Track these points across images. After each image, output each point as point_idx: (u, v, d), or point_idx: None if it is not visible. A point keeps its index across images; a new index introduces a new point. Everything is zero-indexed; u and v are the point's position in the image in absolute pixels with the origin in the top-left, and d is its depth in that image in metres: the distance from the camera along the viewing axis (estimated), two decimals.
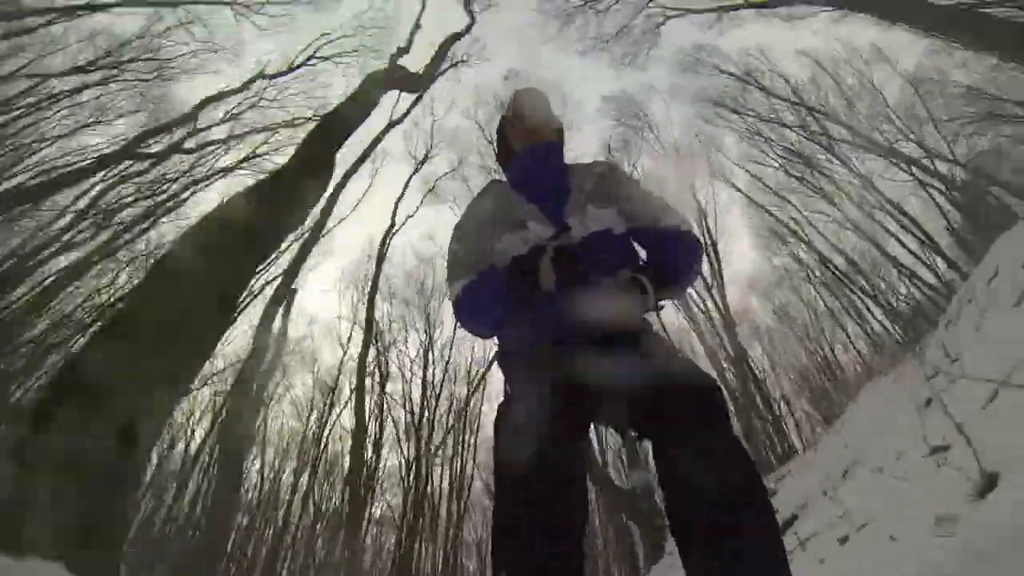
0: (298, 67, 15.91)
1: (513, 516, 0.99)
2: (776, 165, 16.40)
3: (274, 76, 15.90)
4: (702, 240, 1.46)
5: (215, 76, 16.46)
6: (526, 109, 1.54)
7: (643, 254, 1.40)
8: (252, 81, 15.60)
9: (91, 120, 13.90)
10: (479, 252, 1.37)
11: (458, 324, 1.44)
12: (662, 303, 1.29)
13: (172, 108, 14.86)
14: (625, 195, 1.41)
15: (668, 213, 1.38)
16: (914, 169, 12.03)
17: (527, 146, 1.48)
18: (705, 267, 15.85)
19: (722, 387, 1.09)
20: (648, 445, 1.11)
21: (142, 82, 14.26)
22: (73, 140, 13.72)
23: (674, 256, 1.32)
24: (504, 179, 1.57)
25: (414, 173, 18.11)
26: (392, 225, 17.45)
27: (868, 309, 15.72)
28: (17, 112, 12.46)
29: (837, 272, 15.67)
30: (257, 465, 18.03)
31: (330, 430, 18.13)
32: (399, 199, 17.82)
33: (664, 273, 1.27)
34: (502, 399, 1.20)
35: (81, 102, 13.66)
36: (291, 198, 5.60)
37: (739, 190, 16.98)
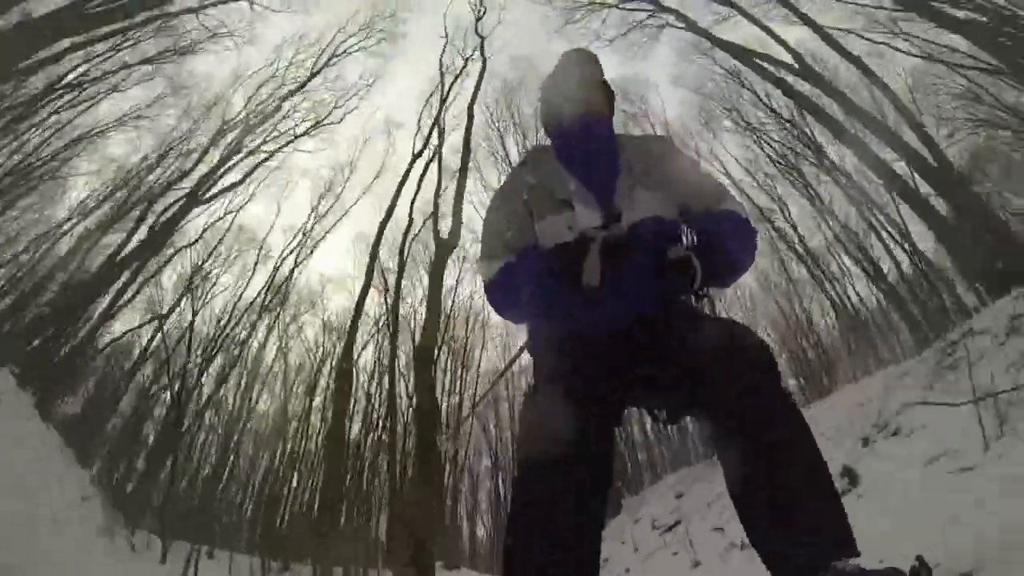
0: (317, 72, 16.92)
1: (532, 508, 0.98)
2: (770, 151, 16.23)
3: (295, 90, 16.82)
4: (754, 226, 1.34)
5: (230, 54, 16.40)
6: (575, 73, 1.42)
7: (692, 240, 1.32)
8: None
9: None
10: (520, 230, 1.29)
11: (488, 305, 1.36)
12: (705, 291, 1.24)
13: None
14: (678, 177, 1.33)
15: (724, 198, 1.32)
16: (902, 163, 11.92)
17: (575, 117, 1.37)
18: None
19: (771, 351, 1.06)
20: (698, 425, 1.13)
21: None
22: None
23: (728, 242, 1.22)
24: (547, 148, 1.45)
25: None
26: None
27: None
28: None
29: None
30: None
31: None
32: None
33: (715, 259, 1.18)
34: (530, 388, 1.17)
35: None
36: None
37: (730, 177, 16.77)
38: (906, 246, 13.86)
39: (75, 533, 6.88)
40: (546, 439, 0.99)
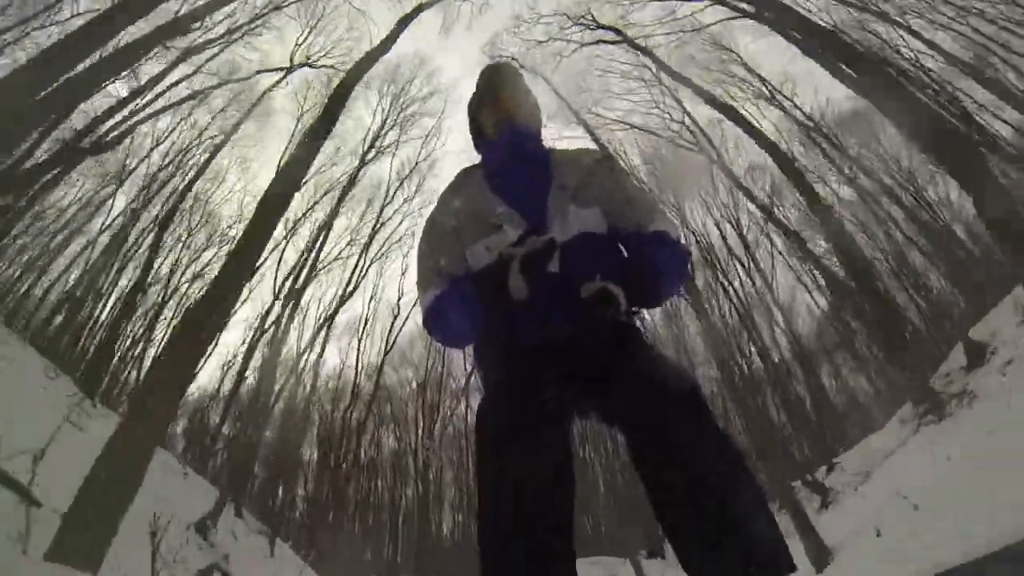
0: None
1: (498, 517, 0.97)
2: None
3: None
4: (688, 248, 1.33)
5: None
6: (497, 87, 1.41)
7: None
8: None
9: None
10: (450, 258, 1.30)
11: (431, 336, 1.35)
12: (636, 310, 1.23)
13: None
14: (612, 193, 1.31)
15: (655, 216, 1.29)
16: None
17: (500, 131, 1.36)
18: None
19: (700, 387, 1.06)
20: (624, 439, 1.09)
21: None
22: None
23: (658, 264, 1.20)
24: (476, 168, 1.44)
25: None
26: None
27: None
28: None
29: None
30: None
31: None
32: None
33: (644, 282, 1.17)
34: (483, 399, 1.17)
35: None
36: None
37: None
38: None
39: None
40: (498, 452, 1.00)
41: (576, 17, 14.39)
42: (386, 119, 18.41)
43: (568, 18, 14.44)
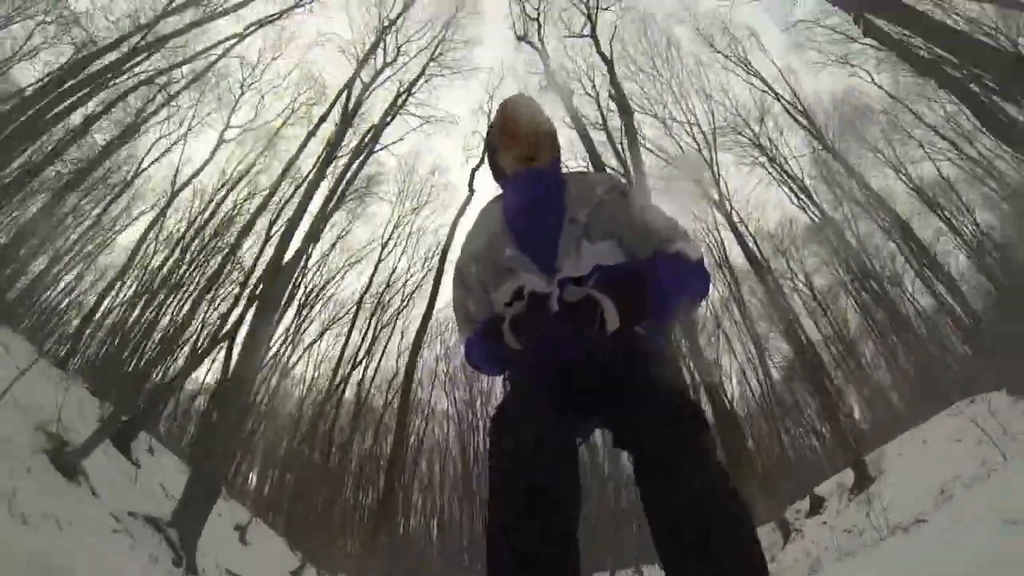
0: None
1: (506, 521, 0.97)
2: None
3: None
4: (707, 268, 1.29)
5: None
6: (514, 124, 1.38)
7: None
8: None
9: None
10: (478, 303, 1.38)
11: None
12: (641, 327, 1.20)
13: None
14: (627, 223, 1.29)
15: (674, 239, 1.25)
16: None
17: (516, 171, 1.36)
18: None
19: (705, 416, 1.06)
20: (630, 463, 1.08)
21: None
22: None
23: (661, 282, 1.15)
24: (496, 202, 1.45)
25: None
26: None
27: None
28: None
29: None
30: None
31: None
32: None
33: (637, 294, 1.13)
34: (499, 405, 1.17)
35: None
36: None
37: None
38: None
39: None
40: (511, 456, 1.01)
41: None
42: None
43: None
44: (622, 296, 1.10)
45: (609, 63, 15.40)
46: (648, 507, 0.97)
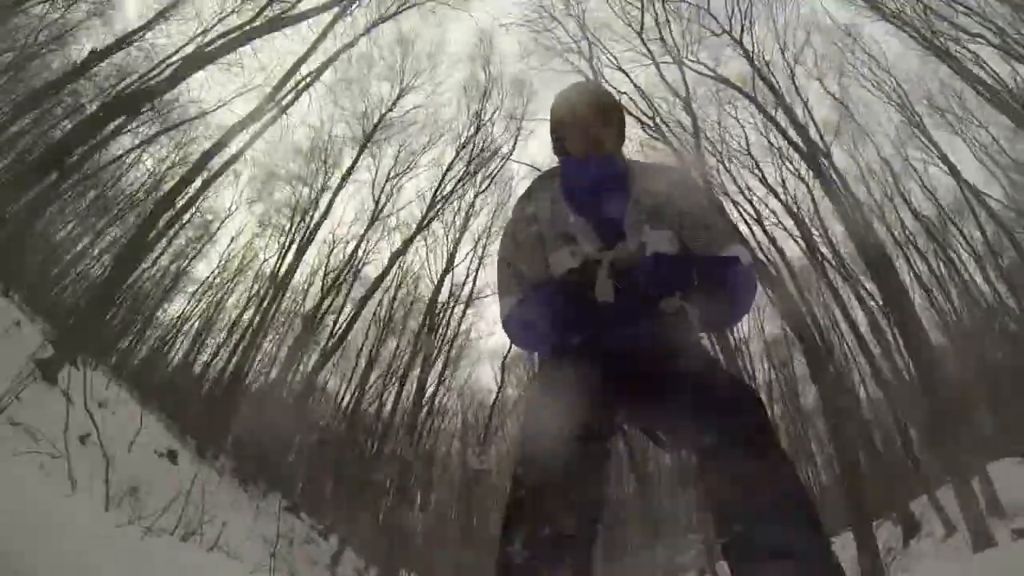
0: None
1: (525, 507, 0.98)
2: None
3: None
4: (755, 275, 1.33)
5: None
6: (589, 113, 1.38)
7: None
8: None
9: None
10: (532, 264, 1.33)
11: (510, 339, 1.40)
12: (702, 334, 1.25)
13: None
14: (687, 215, 1.31)
15: (731, 242, 1.29)
16: None
17: (583, 157, 1.36)
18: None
19: (763, 400, 1.06)
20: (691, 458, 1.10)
21: None
22: None
23: (728, 291, 1.22)
24: (553, 174, 1.45)
25: None
26: None
27: None
28: None
29: None
30: None
31: None
32: None
33: (713, 308, 1.20)
34: (531, 396, 1.18)
35: None
36: None
37: None
38: None
39: None
40: (542, 445, 1.01)
41: None
42: None
43: None
44: (707, 311, 1.20)
45: None
46: (711, 503, 0.99)
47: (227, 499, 9.25)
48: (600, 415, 1.08)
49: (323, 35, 12.75)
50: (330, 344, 16.83)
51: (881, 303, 12.19)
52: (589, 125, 1.37)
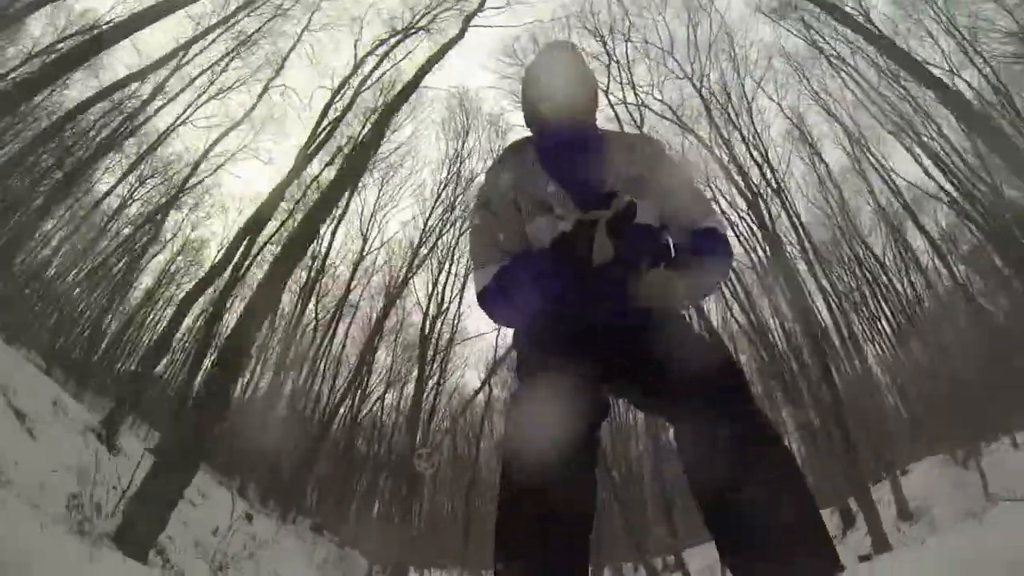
0: None
1: (519, 504, 0.98)
2: None
3: None
4: (731, 246, 1.36)
5: None
6: (560, 72, 1.35)
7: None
8: None
9: None
10: (509, 232, 1.29)
11: (486, 313, 1.33)
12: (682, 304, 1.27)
13: None
14: (665, 186, 1.30)
15: (707, 214, 1.31)
16: None
17: (560, 122, 1.33)
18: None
19: (739, 364, 1.07)
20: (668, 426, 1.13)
21: None
22: None
23: (706, 262, 1.24)
24: (526, 142, 1.41)
25: None
26: None
27: None
28: None
29: None
30: None
31: None
32: None
33: (692, 278, 1.19)
34: (516, 386, 1.16)
35: None
36: None
37: None
38: None
39: None
40: (531, 439, 0.99)
41: None
42: None
43: None
44: (685, 281, 1.16)
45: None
46: (690, 461, 1.01)
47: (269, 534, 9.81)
48: (589, 398, 1.07)
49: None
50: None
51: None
52: (558, 84, 1.34)
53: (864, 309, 17.35)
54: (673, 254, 1.30)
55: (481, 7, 13.76)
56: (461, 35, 12.80)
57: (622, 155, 1.32)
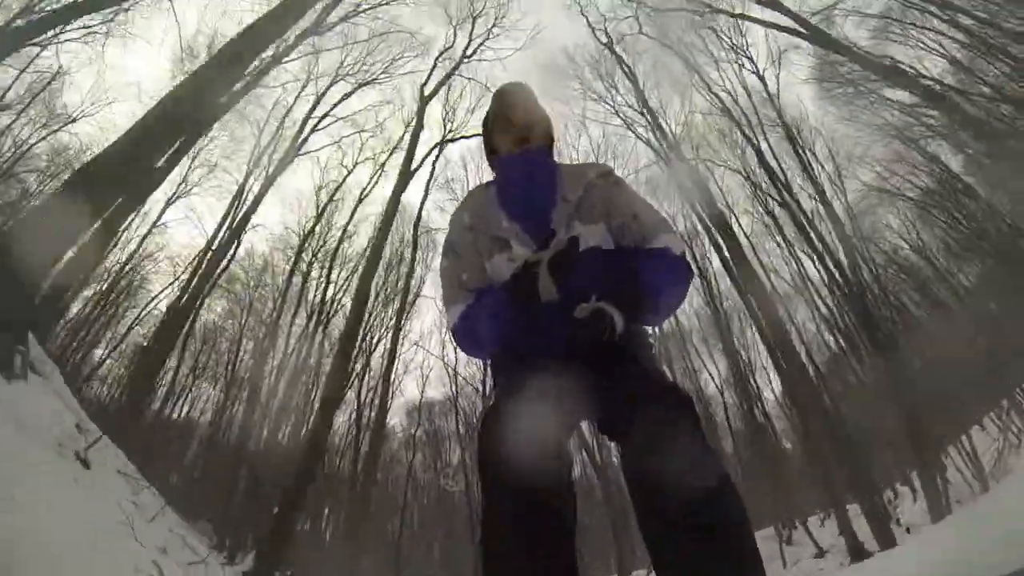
0: None
1: (502, 523, 0.98)
2: None
3: None
4: (690, 262, 1.35)
5: None
6: (508, 108, 1.46)
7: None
8: None
9: None
10: (472, 272, 1.36)
11: (457, 348, 1.44)
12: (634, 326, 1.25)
13: None
14: (615, 209, 1.35)
15: (659, 232, 1.32)
16: None
17: (509, 157, 1.43)
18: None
19: (692, 399, 1.09)
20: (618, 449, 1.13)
21: None
22: None
23: (656, 281, 1.24)
24: (490, 183, 1.49)
25: None
26: None
27: None
28: None
29: None
30: None
31: None
32: None
33: (640, 298, 1.21)
34: (489, 405, 1.19)
35: None
36: None
37: None
38: None
39: None
40: (504, 456, 0.99)
41: None
42: None
43: None
44: (626, 302, 1.18)
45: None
46: (636, 489, 0.99)
47: None
48: (558, 418, 1.09)
49: None
50: None
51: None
52: (512, 119, 1.43)
53: None
54: (635, 275, 1.25)
55: None
56: None
57: (572, 183, 1.37)
